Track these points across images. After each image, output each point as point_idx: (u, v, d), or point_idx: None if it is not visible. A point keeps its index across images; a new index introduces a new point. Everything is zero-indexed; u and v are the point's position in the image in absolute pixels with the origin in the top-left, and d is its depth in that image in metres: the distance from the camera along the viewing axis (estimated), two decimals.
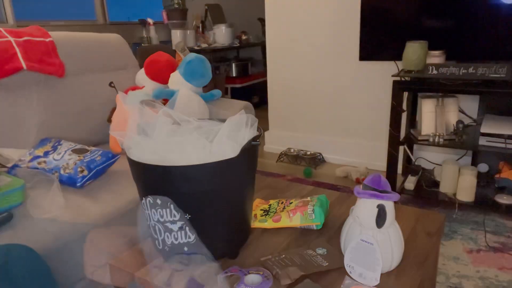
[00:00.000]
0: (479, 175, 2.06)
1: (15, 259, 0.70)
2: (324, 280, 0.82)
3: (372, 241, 0.79)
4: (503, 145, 1.72)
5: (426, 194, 1.98)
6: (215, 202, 0.83)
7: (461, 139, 1.85)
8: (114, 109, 1.69)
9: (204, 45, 3.71)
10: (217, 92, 1.79)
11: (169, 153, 0.83)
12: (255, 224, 1.04)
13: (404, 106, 2.07)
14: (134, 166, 0.85)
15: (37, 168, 1.28)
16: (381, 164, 2.56)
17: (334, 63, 2.60)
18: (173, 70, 1.70)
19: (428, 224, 1.04)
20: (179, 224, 0.83)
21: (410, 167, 2.29)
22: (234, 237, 0.90)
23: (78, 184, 1.24)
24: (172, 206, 0.82)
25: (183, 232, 0.84)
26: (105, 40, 1.85)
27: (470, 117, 2.15)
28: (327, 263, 0.86)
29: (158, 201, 0.83)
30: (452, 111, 1.92)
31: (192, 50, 3.38)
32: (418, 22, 1.94)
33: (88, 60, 1.74)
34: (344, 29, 2.50)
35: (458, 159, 2.24)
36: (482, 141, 1.76)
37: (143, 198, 0.86)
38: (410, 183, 2.03)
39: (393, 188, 1.99)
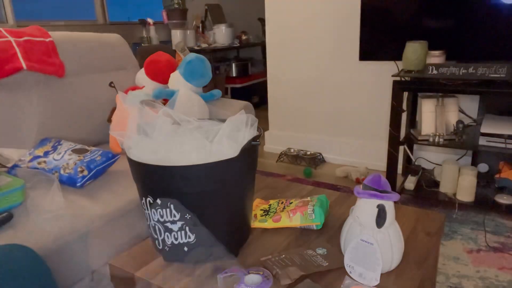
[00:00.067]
0: (479, 175, 2.06)
1: (14, 259, 0.70)
2: (324, 280, 0.82)
3: (372, 241, 0.79)
4: (503, 145, 1.72)
5: (426, 194, 1.98)
6: (215, 202, 0.83)
7: (461, 139, 1.85)
8: (114, 109, 1.69)
9: (204, 45, 3.71)
10: (217, 92, 1.79)
11: (169, 153, 0.83)
12: (255, 224, 1.04)
13: (404, 106, 2.07)
14: (134, 166, 0.85)
15: (37, 168, 1.28)
16: (381, 164, 2.56)
17: (334, 63, 2.60)
18: (173, 70, 1.70)
19: (428, 224, 1.04)
20: (179, 224, 0.83)
21: (410, 167, 2.29)
22: (234, 237, 0.90)
23: (78, 184, 1.24)
24: (172, 206, 0.82)
25: (183, 232, 0.84)
26: (105, 40, 1.85)
27: (470, 117, 2.15)
28: (327, 263, 0.86)
29: (159, 202, 0.83)
30: (452, 111, 1.92)
31: (192, 50, 3.38)
32: (418, 22, 1.94)
33: (88, 60, 1.74)
34: (344, 29, 2.50)
35: (458, 159, 2.24)
36: (482, 141, 1.76)
37: (143, 198, 0.86)
38: (410, 183, 2.03)
39: (393, 188, 1.99)
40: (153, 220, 0.86)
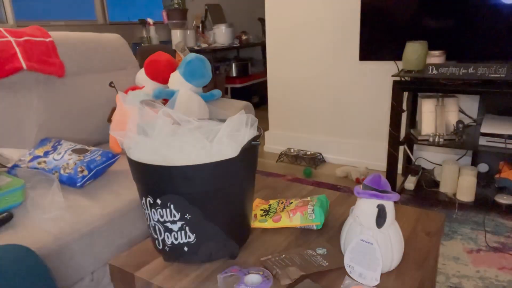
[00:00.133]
0: (479, 175, 2.06)
1: (14, 259, 0.70)
2: (324, 280, 0.82)
3: (372, 241, 0.79)
4: (503, 145, 1.72)
5: (426, 194, 1.98)
6: (215, 202, 0.83)
7: (461, 139, 1.85)
8: (114, 109, 1.69)
9: (204, 45, 3.71)
10: (217, 92, 1.79)
11: (169, 153, 0.83)
12: (255, 224, 1.04)
13: (404, 106, 2.07)
14: (134, 166, 0.85)
15: (37, 168, 1.28)
16: (381, 164, 2.56)
17: (334, 63, 2.60)
18: (173, 70, 1.70)
19: (428, 224, 1.04)
20: (179, 224, 0.83)
21: (410, 167, 2.29)
22: (234, 237, 0.90)
23: (78, 184, 1.24)
24: (172, 206, 0.82)
25: (183, 232, 0.84)
26: (105, 40, 1.85)
27: (470, 117, 2.15)
28: (327, 263, 0.86)
29: (159, 202, 0.83)
30: (452, 111, 1.92)
31: (192, 50, 3.38)
32: (418, 22, 1.94)
33: (88, 60, 1.74)
34: (344, 29, 2.50)
35: (458, 159, 2.24)
36: (482, 141, 1.76)
37: (143, 198, 0.86)
38: (410, 183, 2.03)
39: (393, 188, 1.99)
40: (153, 220, 0.86)
